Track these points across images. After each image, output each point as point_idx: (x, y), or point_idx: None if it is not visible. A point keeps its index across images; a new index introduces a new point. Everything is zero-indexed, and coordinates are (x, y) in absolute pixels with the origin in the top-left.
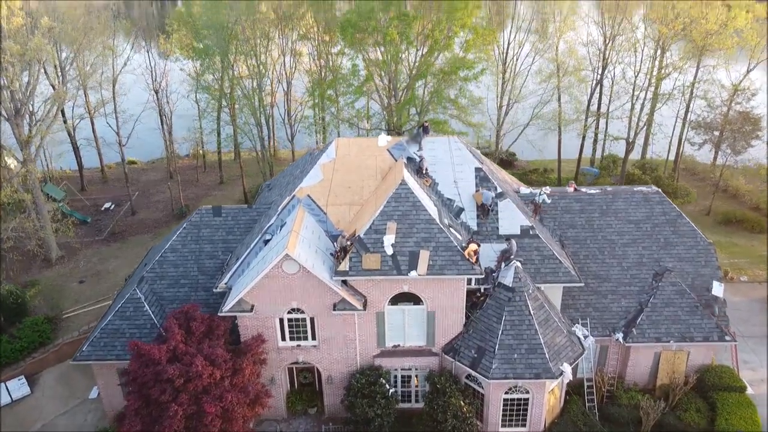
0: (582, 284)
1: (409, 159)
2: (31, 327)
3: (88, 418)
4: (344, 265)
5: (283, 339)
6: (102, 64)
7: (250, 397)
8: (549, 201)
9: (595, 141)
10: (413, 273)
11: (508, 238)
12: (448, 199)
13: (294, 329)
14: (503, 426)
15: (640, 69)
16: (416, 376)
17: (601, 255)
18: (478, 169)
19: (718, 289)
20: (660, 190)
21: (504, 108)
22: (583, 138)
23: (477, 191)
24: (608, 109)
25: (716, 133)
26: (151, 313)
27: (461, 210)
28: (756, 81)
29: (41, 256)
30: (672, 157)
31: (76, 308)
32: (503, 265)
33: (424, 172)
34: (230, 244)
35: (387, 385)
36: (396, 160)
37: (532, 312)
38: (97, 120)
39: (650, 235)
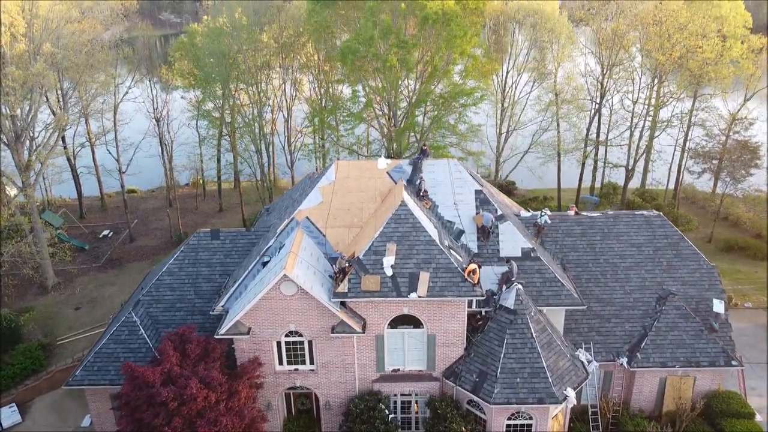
0: (584, 307)
1: (409, 182)
2: (24, 353)
3: None
4: (343, 287)
5: (281, 363)
6: (104, 93)
7: (245, 422)
8: (550, 222)
9: (595, 169)
10: (413, 295)
11: (508, 260)
12: (448, 221)
13: (291, 353)
14: None
15: (637, 98)
16: (416, 401)
17: (604, 278)
18: (478, 192)
19: (718, 306)
20: (661, 213)
21: (503, 135)
22: (583, 165)
23: (477, 213)
24: (607, 137)
25: (715, 162)
26: (146, 336)
27: (461, 232)
28: (753, 111)
29: (37, 283)
30: (672, 186)
31: (70, 335)
32: (504, 287)
33: (422, 194)
34: (228, 268)
35: (386, 411)
36: (395, 183)
37: (534, 335)
38: (97, 148)
39: (652, 259)
